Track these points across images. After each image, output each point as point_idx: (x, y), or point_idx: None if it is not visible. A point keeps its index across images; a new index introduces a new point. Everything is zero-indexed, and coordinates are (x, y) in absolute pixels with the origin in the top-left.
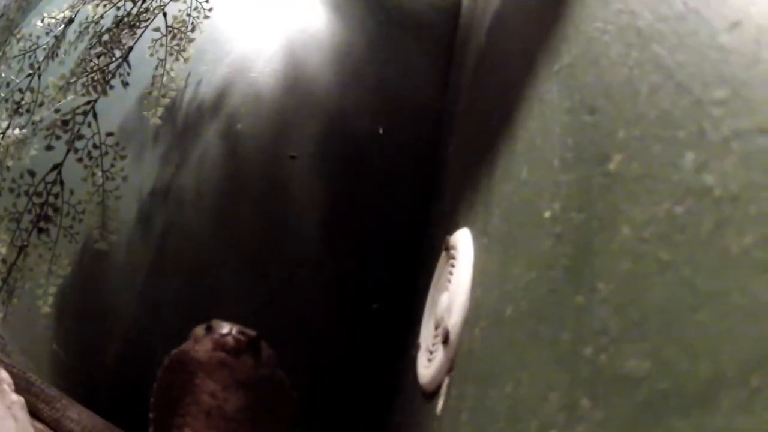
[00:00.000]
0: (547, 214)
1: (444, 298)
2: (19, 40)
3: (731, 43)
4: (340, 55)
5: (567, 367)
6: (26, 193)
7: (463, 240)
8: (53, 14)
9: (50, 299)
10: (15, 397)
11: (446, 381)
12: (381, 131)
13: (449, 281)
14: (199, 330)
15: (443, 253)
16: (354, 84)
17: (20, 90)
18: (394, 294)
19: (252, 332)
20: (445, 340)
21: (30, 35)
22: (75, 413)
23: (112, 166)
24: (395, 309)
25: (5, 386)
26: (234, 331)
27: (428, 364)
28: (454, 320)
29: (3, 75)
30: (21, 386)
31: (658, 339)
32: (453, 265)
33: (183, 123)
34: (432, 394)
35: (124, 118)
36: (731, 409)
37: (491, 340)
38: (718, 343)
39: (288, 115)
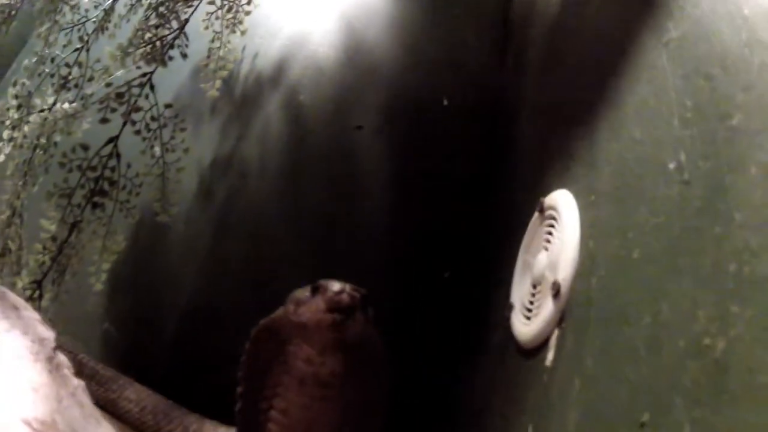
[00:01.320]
0: (672, 165)
1: (542, 258)
2: (68, 11)
3: None
4: (395, 26)
5: (712, 286)
6: (79, 167)
7: (562, 200)
8: None
9: (103, 276)
10: (76, 381)
11: (556, 333)
12: (445, 102)
13: (548, 241)
14: (302, 293)
15: (535, 216)
16: (412, 55)
17: (67, 65)
18: (465, 262)
19: (363, 289)
20: (556, 294)
21: (78, 8)
22: (133, 393)
23: (172, 138)
24: (466, 276)
25: (66, 371)
26: (347, 288)
27: (528, 322)
28: (564, 274)
29: (48, 50)
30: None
31: None
32: (552, 225)
33: (241, 95)
34: (536, 349)
35: (178, 91)
36: None
37: (616, 284)
38: None
39: (350, 86)
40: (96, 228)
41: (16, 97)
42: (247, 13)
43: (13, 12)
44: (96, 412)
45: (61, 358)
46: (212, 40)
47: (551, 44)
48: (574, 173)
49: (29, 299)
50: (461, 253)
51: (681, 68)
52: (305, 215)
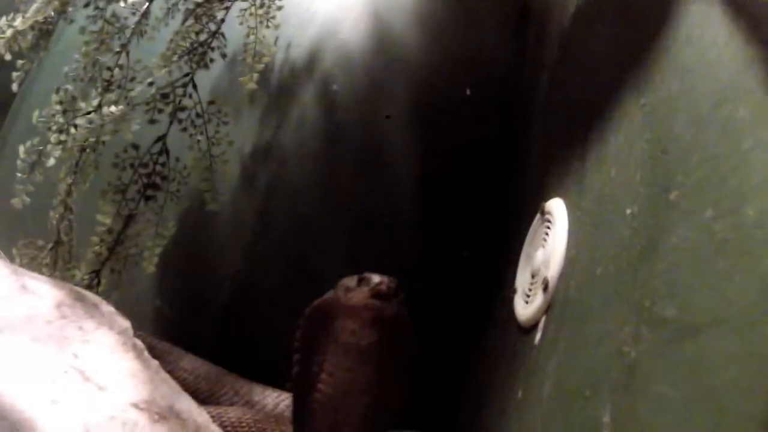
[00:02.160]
0: (628, 211)
1: (540, 254)
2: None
3: None
4: (421, 16)
5: (634, 312)
6: (131, 166)
7: (557, 209)
8: None
9: (155, 260)
10: (154, 360)
11: (543, 319)
12: (468, 92)
13: (545, 240)
14: (349, 281)
15: (538, 216)
16: (437, 46)
17: (109, 68)
18: (482, 243)
19: (395, 279)
20: (545, 288)
21: (116, 16)
22: (187, 363)
23: (217, 132)
24: (482, 256)
25: (146, 353)
26: (386, 280)
27: (526, 305)
28: (552, 272)
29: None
30: None
31: (685, 300)
32: (549, 227)
33: (277, 86)
34: (529, 329)
35: (216, 83)
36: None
37: (584, 291)
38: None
39: (379, 76)
40: (150, 217)
41: (61, 102)
42: (279, 8)
43: (51, 27)
44: (175, 384)
45: (138, 342)
46: (247, 35)
47: (563, 52)
48: (568, 187)
49: (88, 287)
50: (478, 236)
51: (649, 133)
52: (339, 199)
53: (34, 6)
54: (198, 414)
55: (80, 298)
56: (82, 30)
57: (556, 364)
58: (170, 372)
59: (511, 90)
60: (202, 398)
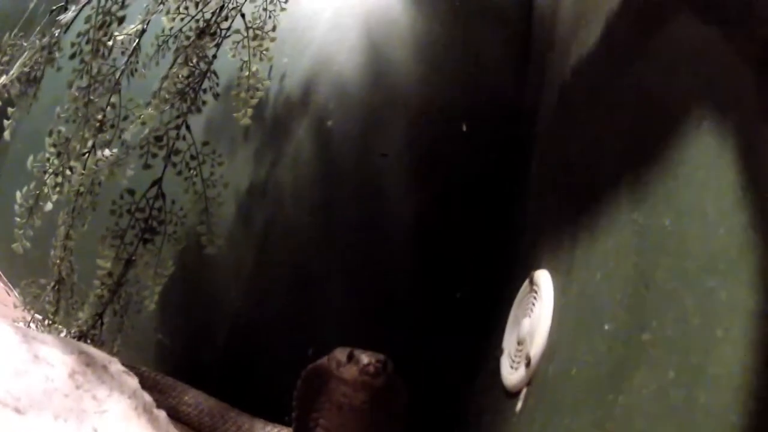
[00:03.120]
0: (606, 327)
1: (526, 323)
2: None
3: None
4: (419, 45)
5: (598, 427)
6: (128, 211)
7: (545, 284)
8: (125, 31)
9: (156, 297)
10: (161, 414)
11: (525, 390)
12: (464, 128)
13: (531, 311)
14: (341, 355)
15: (527, 282)
16: (435, 76)
17: (101, 108)
18: (475, 284)
19: (382, 357)
20: (528, 363)
21: (105, 61)
22: (191, 398)
23: (212, 174)
24: (476, 297)
25: (154, 410)
26: (373, 361)
27: (511, 371)
28: (535, 351)
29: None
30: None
31: None
32: (535, 298)
33: (272, 120)
34: (513, 395)
35: (209, 120)
36: None
37: (559, 382)
38: None
39: (375, 111)
40: (148, 259)
41: (54, 145)
42: (273, 39)
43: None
44: None
45: (147, 398)
46: (240, 68)
47: (562, 106)
48: (557, 265)
49: (92, 327)
50: (472, 278)
51: (635, 256)
52: (336, 236)
53: (21, 58)
54: None
55: (90, 363)
56: (70, 84)
57: None
58: (174, 407)
59: (512, 124)
60: None
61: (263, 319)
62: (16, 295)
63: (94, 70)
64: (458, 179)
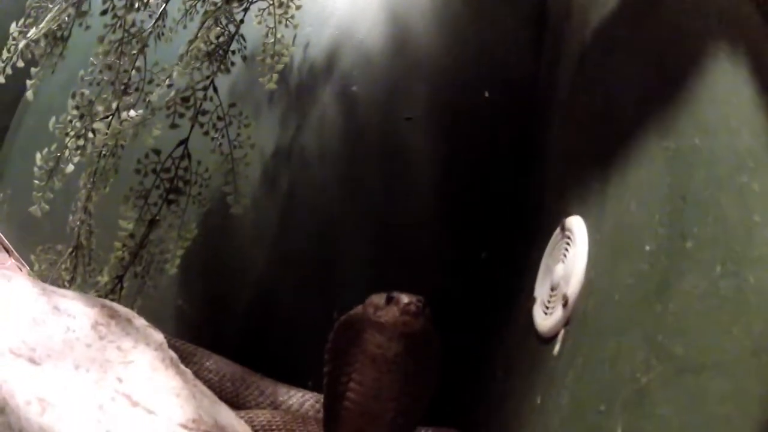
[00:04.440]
0: (647, 248)
1: (560, 268)
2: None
3: None
4: (439, 15)
5: (647, 341)
6: (153, 171)
7: (578, 228)
8: None
9: (177, 261)
10: (188, 371)
11: (562, 332)
12: (487, 94)
13: (565, 256)
14: (378, 299)
15: (558, 231)
16: (456, 45)
17: (126, 71)
18: (501, 245)
19: (422, 298)
20: (565, 304)
21: (136, 25)
22: (212, 364)
23: (238, 135)
24: (501, 258)
25: (181, 365)
26: (414, 300)
27: (546, 317)
28: (572, 290)
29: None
30: None
31: (692, 340)
32: (569, 244)
33: (296, 86)
34: (549, 339)
35: (234, 85)
36: None
37: (601, 312)
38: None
39: (397, 76)
40: (172, 221)
41: (77, 107)
42: (298, 7)
43: (66, 34)
44: (211, 394)
45: (173, 354)
46: (266, 35)
47: (583, 64)
48: (589, 207)
49: (111, 292)
50: (497, 238)
51: (669, 177)
52: (360, 200)
53: (49, 15)
54: (238, 424)
55: (114, 315)
56: (101, 39)
57: (574, 376)
58: (196, 373)
59: (530, 92)
60: (227, 399)
61: (285, 285)
62: (29, 268)
63: (129, 24)
64: (481, 142)
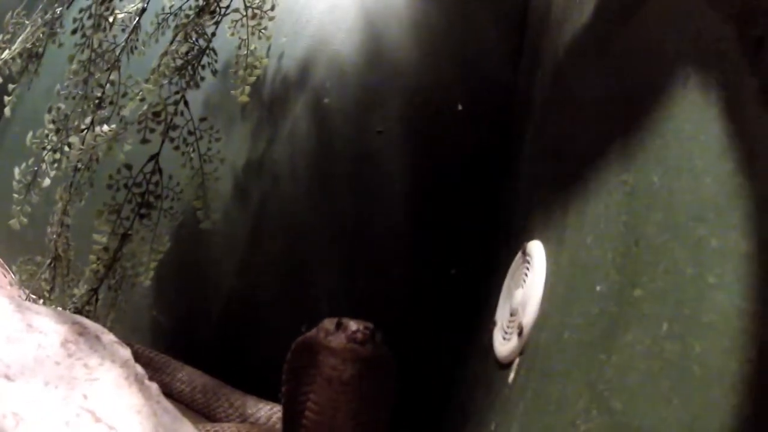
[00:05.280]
0: (597, 288)
1: (519, 294)
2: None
3: None
4: (416, 25)
5: (589, 390)
6: (125, 186)
7: (537, 254)
8: (125, 8)
9: (151, 273)
10: (153, 386)
11: (517, 360)
12: (460, 107)
13: (524, 282)
14: (329, 324)
15: (520, 254)
16: (432, 56)
17: (100, 85)
18: (470, 260)
19: (370, 325)
20: (520, 333)
21: (102, 45)
22: (185, 375)
23: (209, 149)
24: (470, 273)
25: (146, 381)
26: (361, 327)
27: (504, 342)
28: (527, 320)
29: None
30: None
31: (630, 399)
32: (528, 269)
33: (269, 98)
34: (506, 365)
35: (207, 97)
36: None
37: (551, 348)
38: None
39: (372, 90)
40: (144, 235)
41: (53, 122)
42: (271, 18)
43: (40, 51)
44: (174, 410)
45: (139, 369)
46: (239, 47)
47: (555, 85)
48: (549, 235)
49: (87, 304)
50: (467, 254)
51: (626, 215)
52: (332, 212)
53: (23, 34)
54: None
55: (82, 332)
56: (71, 59)
57: (524, 410)
58: (168, 384)
59: (507, 106)
60: (198, 409)
61: (258, 296)
62: (12, 275)
63: (96, 44)
64: (453, 157)
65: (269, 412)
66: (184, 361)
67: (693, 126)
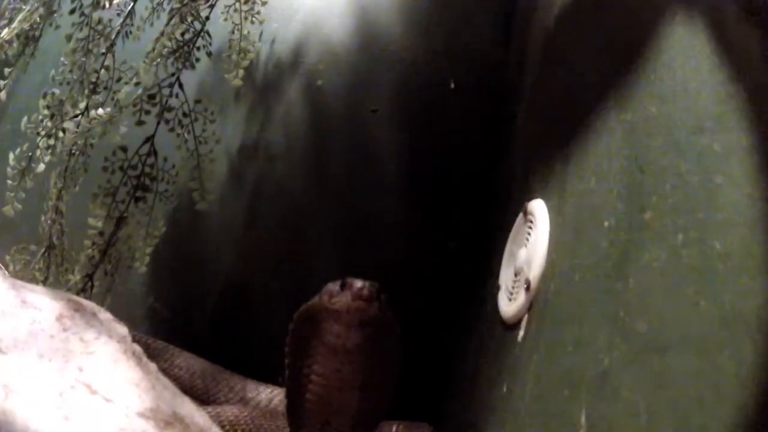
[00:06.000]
0: (606, 224)
1: (522, 253)
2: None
3: None
4: (407, 8)
5: (609, 322)
6: (120, 168)
7: (539, 210)
8: None
9: (147, 259)
10: (152, 364)
11: (526, 317)
12: (452, 85)
13: (527, 240)
14: (332, 286)
15: (521, 215)
16: (422, 36)
17: (95, 70)
18: (468, 234)
19: (376, 283)
20: (527, 288)
21: (102, 22)
22: (182, 361)
23: (204, 131)
24: (469, 247)
25: (144, 358)
26: (367, 284)
27: (509, 303)
28: (534, 273)
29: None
30: None
31: (655, 317)
32: (531, 228)
33: (263, 81)
34: (513, 325)
35: (201, 81)
36: None
37: (563, 294)
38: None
39: (364, 70)
40: (140, 218)
41: (48, 107)
42: (264, 3)
43: (37, 34)
44: (174, 387)
45: (137, 347)
46: (232, 32)
47: (547, 50)
48: (551, 190)
49: (82, 291)
50: (465, 227)
51: (628, 149)
52: (327, 193)
53: (20, 15)
54: (199, 416)
55: (78, 308)
56: (69, 37)
57: (538, 361)
58: (166, 370)
59: (496, 82)
60: (197, 395)
61: (255, 279)
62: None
63: (95, 22)
64: (448, 131)
65: (270, 395)
66: (182, 347)
67: (683, 54)
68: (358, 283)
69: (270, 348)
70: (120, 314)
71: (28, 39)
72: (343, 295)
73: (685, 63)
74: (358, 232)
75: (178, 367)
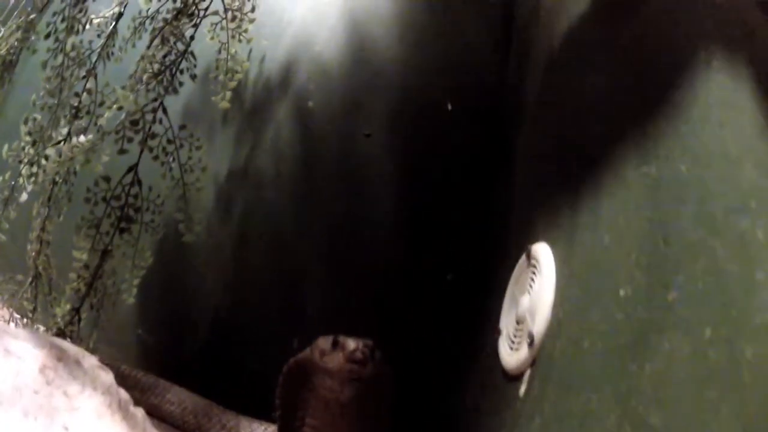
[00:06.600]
0: (621, 293)
1: (525, 300)
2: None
3: None
4: (400, 24)
5: (620, 405)
6: (104, 199)
7: (545, 257)
8: (101, 14)
9: (134, 290)
10: (139, 412)
11: (529, 372)
12: (449, 107)
13: (531, 287)
14: (324, 343)
15: (524, 257)
16: (417, 56)
17: (77, 94)
18: (466, 265)
19: (370, 342)
20: (531, 342)
21: (81, 41)
22: (174, 396)
23: (189, 158)
24: (467, 279)
25: (130, 407)
26: (360, 346)
27: (511, 352)
28: (538, 328)
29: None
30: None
31: (671, 413)
32: (534, 273)
33: (251, 103)
34: (515, 378)
35: (187, 103)
36: None
37: (570, 359)
38: None
39: (356, 90)
40: (125, 250)
41: (30, 133)
42: (252, 20)
43: (14, 59)
44: None
45: (123, 394)
46: (219, 51)
47: (551, 75)
48: (557, 235)
49: (69, 323)
50: (463, 259)
51: (650, 210)
52: (318, 223)
53: None
54: None
55: (62, 357)
56: (44, 63)
57: (540, 424)
58: (157, 405)
59: (496, 104)
60: (189, 431)
61: (245, 310)
62: None
63: (69, 48)
64: (444, 157)
65: None
66: (172, 378)
67: (722, 109)
68: (351, 344)
69: (261, 379)
70: (108, 344)
71: (5, 65)
72: (336, 355)
73: (725, 121)
74: (351, 260)
75: (169, 402)
